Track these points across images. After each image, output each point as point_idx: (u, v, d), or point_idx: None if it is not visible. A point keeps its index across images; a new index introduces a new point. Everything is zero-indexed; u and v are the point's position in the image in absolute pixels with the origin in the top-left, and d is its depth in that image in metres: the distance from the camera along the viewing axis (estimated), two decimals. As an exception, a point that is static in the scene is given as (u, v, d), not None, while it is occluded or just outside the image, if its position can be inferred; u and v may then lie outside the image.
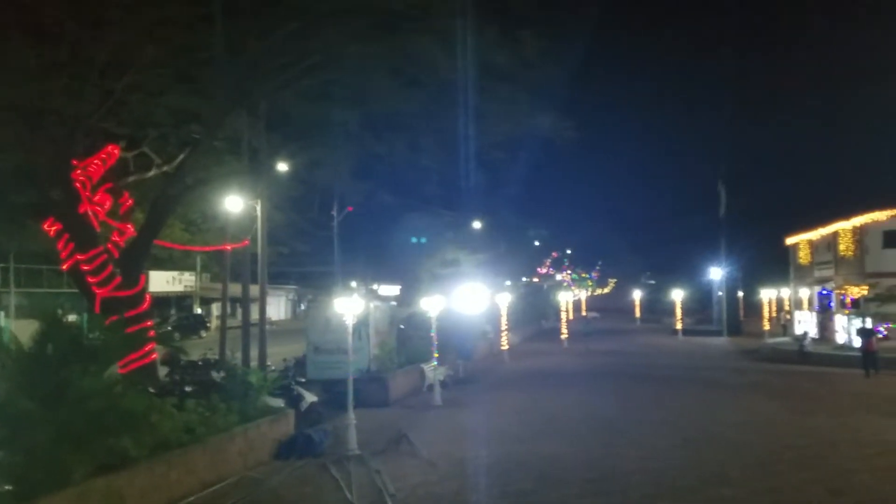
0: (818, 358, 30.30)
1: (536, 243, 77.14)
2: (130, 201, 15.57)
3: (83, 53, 13.00)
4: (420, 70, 16.66)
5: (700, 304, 63.69)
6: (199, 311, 49.93)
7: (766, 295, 45.67)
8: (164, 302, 44.41)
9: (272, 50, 14.59)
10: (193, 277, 47.99)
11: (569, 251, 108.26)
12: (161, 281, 42.48)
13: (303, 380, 17.92)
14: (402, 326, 25.21)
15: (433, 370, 20.43)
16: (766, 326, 43.21)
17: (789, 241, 43.79)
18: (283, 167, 22.28)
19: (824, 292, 38.33)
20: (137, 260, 14.53)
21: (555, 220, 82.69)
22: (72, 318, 10.77)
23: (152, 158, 16.37)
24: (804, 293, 41.67)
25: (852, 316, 31.46)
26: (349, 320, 13.37)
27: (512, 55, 16.34)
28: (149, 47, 13.49)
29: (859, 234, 34.29)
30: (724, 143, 76.79)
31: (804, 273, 41.91)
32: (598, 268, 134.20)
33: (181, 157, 15.59)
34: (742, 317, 54.80)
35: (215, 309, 48.17)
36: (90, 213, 13.82)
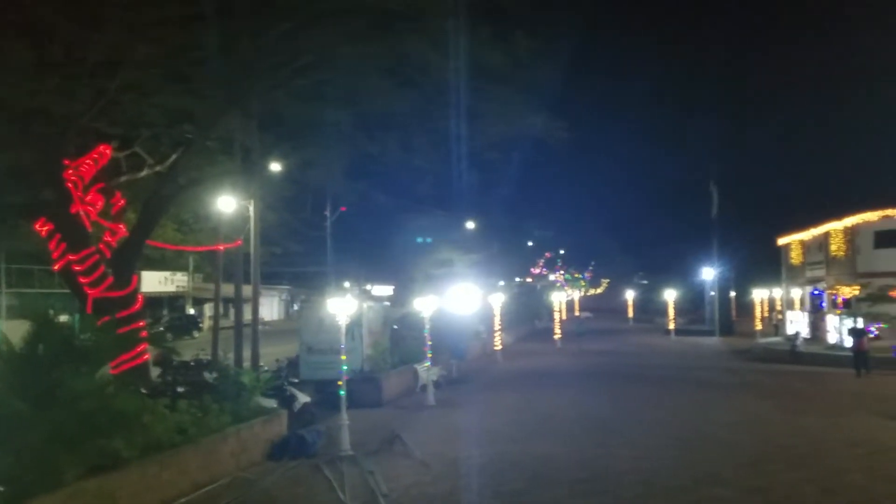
0: (810, 358, 30.43)
1: (530, 243, 77.21)
2: (122, 201, 15.51)
3: (75, 53, 12.95)
4: (413, 70, 16.66)
5: (692, 305, 63.85)
6: (191, 311, 49.79)
7: (758, 295, 45.87)
8: (156, 302, 44.27)
9: (265, 50, 14.56)
10: (186, 278, 47.87)
11: (562, 251, 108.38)
12: (153, 281, 42.33)
13: (296, 380, 17.88)
14: (395, 327, 25.19)
15: (426, 370, 20.43)
16: (758, 326, 43.38)
17: (781, 241, 43.96)
18: (276, 167, 22.24)
19: (816, 292, 38.50)
20: (129, 260, 14.48)
21: (548, 221, 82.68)
22: (63, 318, 10.73)
23: (144, 158, 16.31)
24: (796, 293, 41.83)
25: (844, 316, 31.59)
26: (342, 320, 13.36)
27: (505, 55, 16.35)
28: (141, 47, 13.43)
29: (851, 234, 34.45)
30: (717, 143, 77.18)
31: (796, 273, 42.08)
32: (591, 268, 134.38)
33: (174, 157, 15.55)
34: (734, 317, 54.97)
35: (208, 309, 48.03)
36: (82, 213, 13.76)
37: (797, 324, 37.41)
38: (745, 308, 52.11)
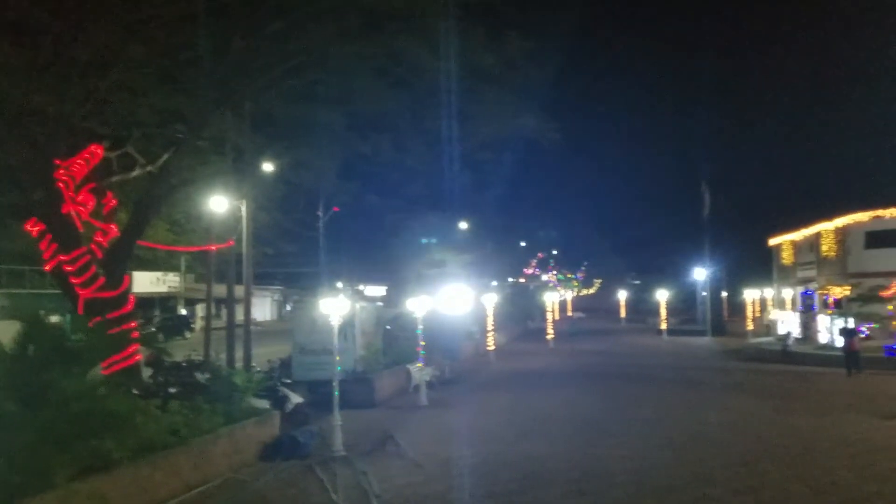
0: (801, 357, 30.57)
1: (523, 244, 77.30)
2: (114, 201, 15.42)
3: (67, 52, 12.89)
4: (405, 71, 16.67)
5: (685, 305, 64.11)
6: (183, 311, 49.63)
7: (750, 295, 46.06)
8: (148, 303, 44.09)
9: (257, 50, 14.53)
10: (178, 278, 47.64)
11: (554, 252, 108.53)
12: (145, 282, 42.14)
13: (288, 381, 17.86)
14: (388, 327, 25.17)
15: (419, 371, 20.43)
16: (750, 326, 43.57)
17: (772, 241, 44.17)
18: (268, 167, 22.20)
19: (807, 293, 38.69)
20: (121, 260, 14.41)
21: (541, 221, 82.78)
22: (54, 319, 10.69)
23: (136, 158, 16.25)
24: (787, 293, 42.02)
25: (835, 316, 31.76)
26: (335, 321, 13.34)
27: (497, 56, 16.38)
28: (133, 46, 13.39)
29: (842, 234, 34.64)
30: (708, 144, 77.52)
31: (787, 273, 42.27)
32: (583, 268, 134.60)
33: (165, 156, 15.49)
34: (726, 317, 55.19)
35: (200, 310, 47.88)
36: (73, 213, 13.69)
37: (788, 324, 37.59)
38: (737, 308, 52.34)
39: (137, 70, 14.12)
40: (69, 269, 13.15)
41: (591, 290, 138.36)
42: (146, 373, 14.38)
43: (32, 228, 13.32)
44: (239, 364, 18.34)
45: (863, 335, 27.36)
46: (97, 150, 14.78)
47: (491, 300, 35.80)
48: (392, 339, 24.16)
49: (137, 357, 13.44)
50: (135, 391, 11.89)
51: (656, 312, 54.55)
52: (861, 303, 30.29)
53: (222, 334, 20.26)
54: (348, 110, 17.81)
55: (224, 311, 25.48)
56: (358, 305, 20.72)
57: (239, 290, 21.01)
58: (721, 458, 12.25)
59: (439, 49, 15.99)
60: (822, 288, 36.13)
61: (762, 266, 47.41)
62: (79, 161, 14.12)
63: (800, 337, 35.48)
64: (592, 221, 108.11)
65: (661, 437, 14.11)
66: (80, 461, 8.67)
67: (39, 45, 12.63)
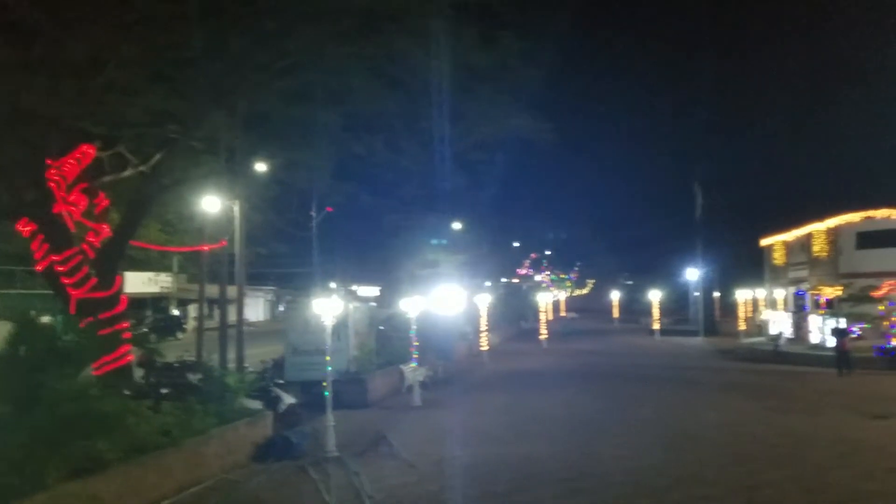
0: (793, 357, 30.70)
1: (516, 244, 77.35)
2: (106, 201, 15.36)
3: (59, 51, 12.83)
4: (400, 71, 16.66)
5: (677, 305, 64.24)
6: (175, 312, 49.42)
7: (742, 295, 46.20)
8: (140, 303, 43.87)
9: (251, 49, 14.49)
10: (170, 278, 47.42)
11: (547, 252, 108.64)
12: (137, 282, 41.94)
13: (281, 381, 17.83)
14: (381, 327, 25.16)
15: (412, 371, 20.42)
16: (742, 326, 43.70)
17: (764, 242, 44.30)
18: (261, 168, 22.12)
19: (799, 293, 38.83)
20: (113, 261, 14.35)
21: (534, 221, 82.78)
22: (46, 319, 10.64)
23: (128, 158, 16.15)
24: (779, 294, 42.16)
25: (826, 316, 31.88)
26: (328, 321, 13.32)
27: (492, 56, 16.38)
28: (126, 46, 13.32)
29: (833, 235, 34.77)
30: (701, 145, 77.57)
31: (779, 274, 42.42)
32: (576, 269, 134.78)
33: (157, 156, 15.42)
34: (718, 317, 55.36)
35: (192, 310, 47.71)
36: (65, 213, 13.62)
37: (780, 324, 37.73)
38: (729, 308, 52.49)
39: (130, 70, 14.04)
40: (61, 269, 13.08)
41: (585, 291, 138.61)
42: (138, 373, 14.33)
43: (24, 228, 13.24)
44: (231, 365, 18.26)
45: (854, 335, 27.49)
46: (89, 150, 14.71)
47: (484, 300, 35.82)
48: (385, 340, 24.13)
49: (129, 358, 13.39)
50: (127, 392, 11.84)
51: (649, 313, 54.68)
52: (852, 303, 30.42)
53: (215, 335, 20.15)
54: (343, 110, 17.78)
55: (216, 312, 25.37)
56: (351, 306, 20.69)
57: (231, 291, 20.93)
58: (716, 457, 12.29)
59: (434, 49, 15.99)
60: (813, 288, 36.26)
61: (754, 266, 47.53)
62: (70, 161, 14.05)
63: (791, 337, 35.63)
64: (585, 222, 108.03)
65: (656, 437, 14.15)
66: (71, 462, 8.63)
67: (31, 45, 12.56)
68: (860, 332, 28.81)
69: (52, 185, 13.42)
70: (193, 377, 14.04)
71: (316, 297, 14.95)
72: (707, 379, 25.11)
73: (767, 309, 43.57)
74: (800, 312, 37.81)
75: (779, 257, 42.51)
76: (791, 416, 16.51)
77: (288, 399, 15.73)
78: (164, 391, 13.06)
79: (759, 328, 43.71)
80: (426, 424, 16.30)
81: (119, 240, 14.55)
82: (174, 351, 17.63)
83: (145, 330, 37.12)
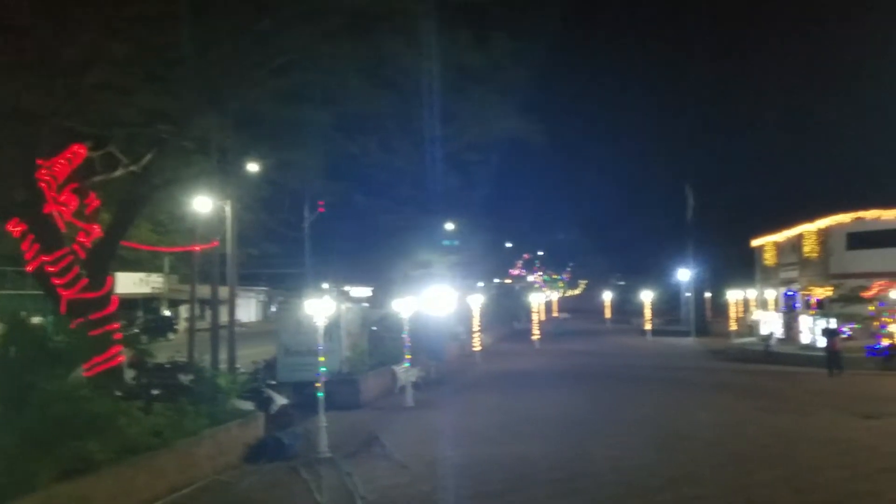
0: (783, 358, 30.83)
1: (508, 245, 77.39)
2: (97, 202, 15.29)
3: (50, 51, 12.76)
4: (393, 71, 16.65)
5: (669, 305, 64.43)
6: (167, 313, 49.21)
7: (733, 296, 46.39)
8: (131, 304, 43.64)
9: (243, 49, 14.45)
10: (161, 279, 47.30)
11: (540, 253, 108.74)
12: (128, 283, 41.78)
13: (273, 382, 17.78)
14: (374, 328, 25.12)
15: (405, 372, 20.40)
16: (733, 327, 43.88)
17: (755, 242, 44.48)
18: (253, 168, 22.06)
19: (790, 293, 39.00)
20: (104, 261, 14.29)
21: (527, 222, 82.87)
22: (36, 320, 10.58)
23: (119, 158, 16.09)
24: (770, 294, 42.34)
25: (817, 316, 32.02)
26: (320, 322, 13.30)
27: (484, 57, 16.40)
28: (117, 45, 13.27)
29: (823, 235, 34.93)
30: (692, 146, 77.98)
31: (770, 274, 42.59)
32: (568, 269, 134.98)
33: (149, 156, 15.36)
34: (710, 317, 55.57)
35: (183, 311, 47.50)
36: (55, 213, 13.56)
37: (771, 324, 37.88)
38: (721, 309, 52.71)
39: (121, 69, 13.99)
40: (52, 269, 13.02)
41: (577, 291, 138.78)
42: (129, 374, 14.27)
43: (14, 229, 13.17)
44: (223, 366, 18.20)
45: (844, 336, 27.63)
46: (80, 150, 14.64)
47: (477, 301, 35.83)
48: (378, 340, 24.10)
49: (120, 359, 13.34)
50: (118, 393, 11.78)
51: (641, 313, 54.83)
52: (843, 303, 30.56)
53: (206, 335, 20.11)
54: (335, 111, 17.74)
55: (208, 313, 25.30)
56: (343, 306, 20.65)
57: (223, 291, 20.86)
58: (708, 457, 12.33)
59: (426, 50, 15.99)
60: (804, 288, 36.43)
61: (745, 267, 47.74)
62: (61, 161, 13.98)
63: (782, 337, 35.79)
64: (578, 222, 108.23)
65: (649, 437, 14.18)
66: (62, 463, 8.59)
67: (22, 44, 12.49)
68: (850, 333, 28.95)
69: (43, 184, 13.35)
70: (185, 378, 13.97)
71: (308, 297, 14.93)
72: (698, 379, 25.19)
73: (758, 309, 43.76)
74: (790, 313, 37.97)
75: (770, 258, 42.69)
76: (782, 417, 16.57)
77: (280, 400, 15.69)
78: (155, 392, 12.99)
79: (750, 328, 43.89)
80: (419, 425, 16.29)
81: (110, 240, 14.48)
82: (165, 352, 17.54)
83: (136, 331, 36.89)
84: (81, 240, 14.39)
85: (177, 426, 11.08)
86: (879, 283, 30.18)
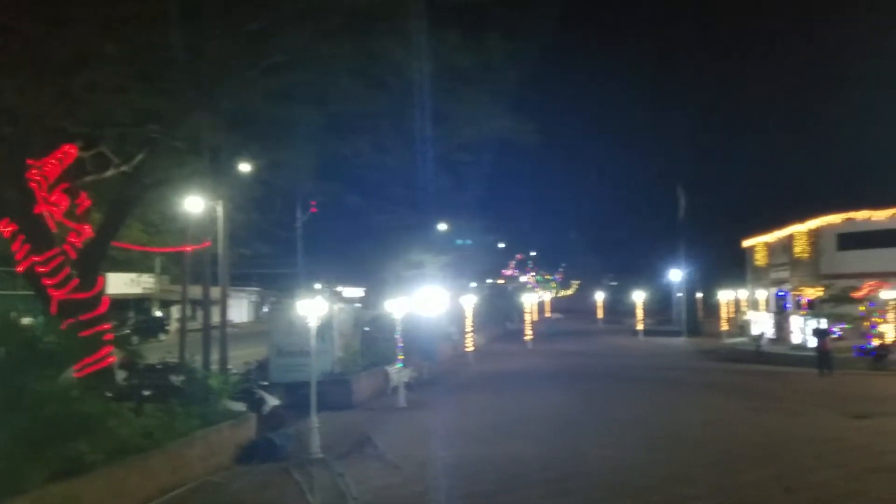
0: (774, 358, 30.97)
1: (501, 245, 77.48)
2: (88, 202, 15.22)
3: (40, 50, 12.69)
4: (385, 71, 16.63)
5: (660, 306, 64.68)
6: (158, 313, 49.07)
7: (724, 296, 46.58)
8: (122, 304, 43.48)
9: (235, 49, 14.41)
10: (153, 279, 47.08)
11: (533, 253, 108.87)
12: (119, 283, 41.57)
13: (265, 383, 17.74)
14: (366, 329, 25.11)
15: (397, 372, 20.39)
16: (725, 327, 44.05)
17: (746, 243, 44.69)
18: (245, 168, 21.99)
19: (781, 293, 39.19)
20: (95, 262, 14.23)
21: (519, 223, 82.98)
22: (27, 321, 10.52)
23: (110, 158, 16.02)
24: (761, 294, 42.52)
25: (808, 317, 32.18)
26: (312, 322, 13.27)
27: (476, 57, 16.40)
28: (108, 45, 13.21)
29: (814, 236, 35.13)
30: (683, 147, 78.24)
31: (761, 274, 42.79)
32: (561, 270, 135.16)
33: (140, 156, 15.31)
34: (701, 317, 55.78)
35: (175, 312, 47.36)
36: (46, 213, 13.49)
37: (762, 324, 38.05)
38: (712, 309, 52.93)
39: (112, 68, 13.92)
40: (42, 270, 12.95)
41: (569, 292, 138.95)
42: (120, 375, 14.22)
43: (5, 229, 13.10)
44: (215, 366, 18.15)
45: (835, 336, 27.77)
46: (70, 150, 14.57)
47: (469, 301, 35.84)
48: (370, 341, 24.09)
49: (111, 359, 13.29)
50: (108, 394, 11.74)
51: (633, 313, 55.00)
52: (833, 304, 30.74)
53: (198, 336, 20.05)
54: (327, 110, 17.71)
55: (199, 313, 25.22)
56: (336, 307, 20.63)
57: (215, 292, 20.81)
58: (699, 457, 12.36)
59: (418, 50, 15.99)
60: (795, 289, 36.62)
61: (736, 267, 47.98)
62: (52, 161, 13.91)
63: (773, 337, 35.95)
64: (571, 223, 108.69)
65: (641, 437, 14.21)
66: (52, 464, 8.55)
67: (12, 44, 12.42)
68: (841, 333, 29.11)
69: (34, 185, 13.28)
70: (176, 379, 13.92)
71: (300, 298, 14.90)
72: (690, 379, 25.27)
73: (750, 309, 43.96)
74: (781, 313, 38.15)
75: (761, 258, 42.88)
76: (773, 416, 16.64)
77: (272, 401, 15.66)
78: (146, 393, 12.95)
79: (741, 329, 44.09)
80: (411, 425, 16.29)
81: (101, 240, 14.42)
82: (157, 353, 17.50)
83: (127, 331, 36.81)
84: (72, 240, 14.33)
85: (168, 427, 11.04)
86: (870, 283, 30.36)
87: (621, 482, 10.77)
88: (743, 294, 46.57)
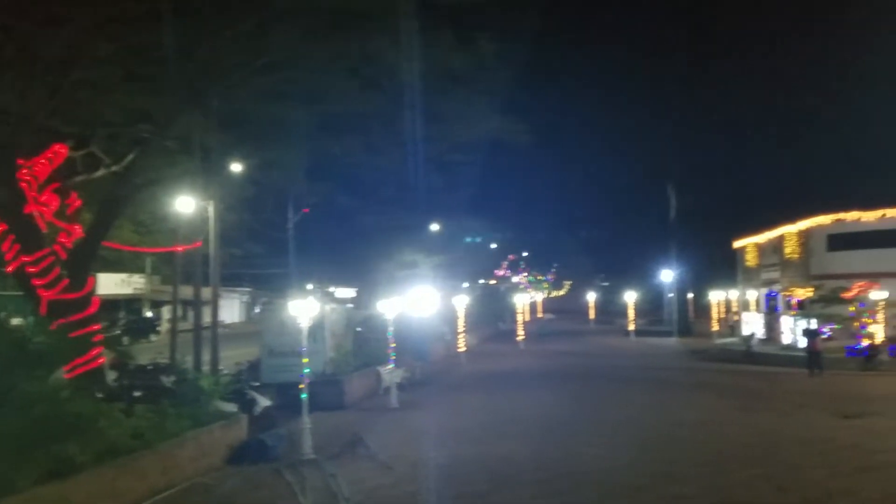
0: (764, 358, 31.11)
1: (493, 245, 77.56)
2: (78, 202, 15.15)
3: (30, 49, 12.64)
4: (376, 72, 16.66)
5: (652, 306, 64.90)
6: (149, 314, 48.86)
7: (715, 296, 46.77)
8: (112, 305, 43.24)
9: (226, 48, 14.39)
10: (143, 280, 46.85)
11: (525, 254, 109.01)
12: (110, 283, 41.32)
13: (257, 384, 17.69)
14: (358, 329, 25.06)
15: (390, 373, 20.35)
16: (715, 327, 44.22)
17: (737, 243, 44.85)
18: (236, 168, 21.95)
19: (771, 294, 39.37)
20: (85, 262, 14.17)
21: (511, 223, 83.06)
22: (16, 321, 10.47)
23: (101, 158, 15.97)
24: (752, 295, 42.70)
25: (798, 317, 32.33)
26: (304, 323, 13.24)
27: (467, 58, 16.44)
28: (99, 44, 13.16)
29: (804, 237, 35.29)
30: (674, 147, 78.42)
31: (751, 275, 42.96)
32: (553, 270, 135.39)
33: (130, 156, 15.26)
34: (692, 318, 55.99)
35: (166, 312, 47.17)
36: (36, 213, 13.43)
37: (752, 325, 38.21)
38: (703, 309, 53.13)
39: (103, 68, 13.88)
40: (32, 270, 12.89)
41: (562, 292, 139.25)
42: (111, 376, 14.15)
43: (-6, 229, 13.03)
44: (206, 367, 18.11)
45: (825, 336, 27.91)
46: (61, 150, 14.51)
47: (461, 302, 35.85)
48: (362, 341, 24.04)
49: (101, 360, 13.23)
50: (99, 395, 11.70)
51: (624, 314, 55.16)
52: (823, 304, 30.90)
53: (189, 337, 20.00)
54: (319, 110, 17.73)
55: (190, 314, 25.16)
56: (328, 307, 20.60)
57: (206, 292, 20.75)
58: (690, 457, 12.39)
59: (410, 51, 16.01)
60: (785, 289, 36.78)
61: (727, 268, 48.15)
62: (42, 160, 13.85)
63: (764, 338, 36.10)
64: (563, 224, 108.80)
65: (630, 437, 14.25)
66: (42, 466, 8.51)
67: (3, 42, 12.37)
68: (831, 333, 29.26)
69: (24, 184, 13.22)
70: (167, 380, 13.86)
71: (292, 298, 14.86)
72: (681, 379, 25.35)
73: (740, 310, 44.13)
74: (772, 313, 38.32)
75: (751, 259, 43.06)
76: (763, 416, 16.71)
77: (263, 401, 15.62)
78: (136, 394, 12.90)
79: (731, 329, 44.26)
80: (403, 426, 16.27)
81: (91, 240, 14.36)
82: (147, 353, 17.41)
83: (118, 332, 36.49)
84: (62, 240, 14.27)
85: (159, 428, 10.99)
86: (859, 283, 30.52)
87: (613, 482, 10.79)
88: (734, 294, 46.75)
